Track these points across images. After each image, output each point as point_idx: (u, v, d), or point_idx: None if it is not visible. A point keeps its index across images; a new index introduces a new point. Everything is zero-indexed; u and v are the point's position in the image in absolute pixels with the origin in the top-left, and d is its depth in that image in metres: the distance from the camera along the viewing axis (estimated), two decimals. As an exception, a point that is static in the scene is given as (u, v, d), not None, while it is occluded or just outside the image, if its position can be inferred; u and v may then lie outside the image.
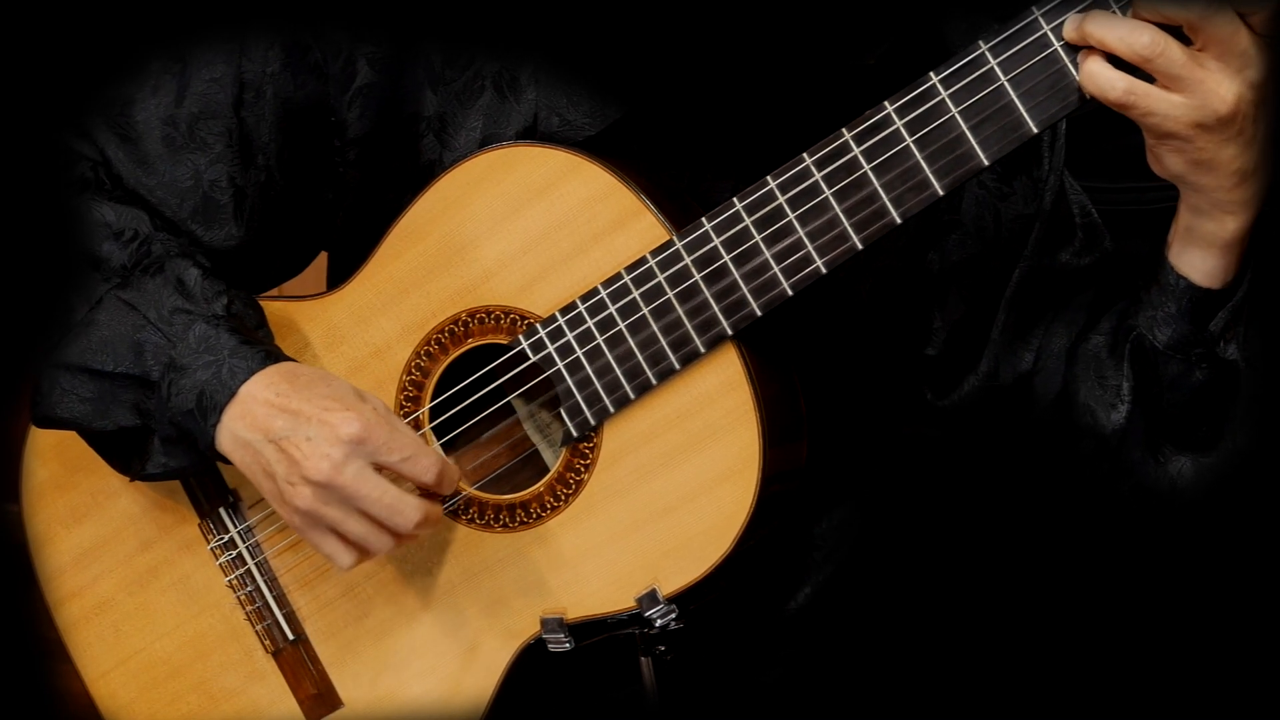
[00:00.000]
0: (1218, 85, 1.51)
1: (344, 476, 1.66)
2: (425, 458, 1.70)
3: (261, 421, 1.69)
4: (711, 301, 1.68)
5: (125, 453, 1.80)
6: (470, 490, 1.78)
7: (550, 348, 1.73)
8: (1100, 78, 1.55)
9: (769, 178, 1.65)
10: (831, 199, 1.64)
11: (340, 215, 1.85)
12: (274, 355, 1.73)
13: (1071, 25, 1.55)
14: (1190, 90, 1.52)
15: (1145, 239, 1.71)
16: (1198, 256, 1.65)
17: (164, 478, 1.79)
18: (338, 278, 1.86)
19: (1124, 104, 1.55)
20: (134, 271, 1.77)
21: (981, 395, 1.81)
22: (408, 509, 1.69)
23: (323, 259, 1.98)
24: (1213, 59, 1.51)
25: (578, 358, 1.72)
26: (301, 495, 1.68)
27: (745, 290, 1.67)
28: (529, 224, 1.73)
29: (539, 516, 1.76)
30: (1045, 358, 1.79)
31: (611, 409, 1.72)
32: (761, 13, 1.67)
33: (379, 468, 1.68)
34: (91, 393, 1.76)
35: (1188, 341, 1.68)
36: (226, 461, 1.73)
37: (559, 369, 1.73)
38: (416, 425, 1.78)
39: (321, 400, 1.68)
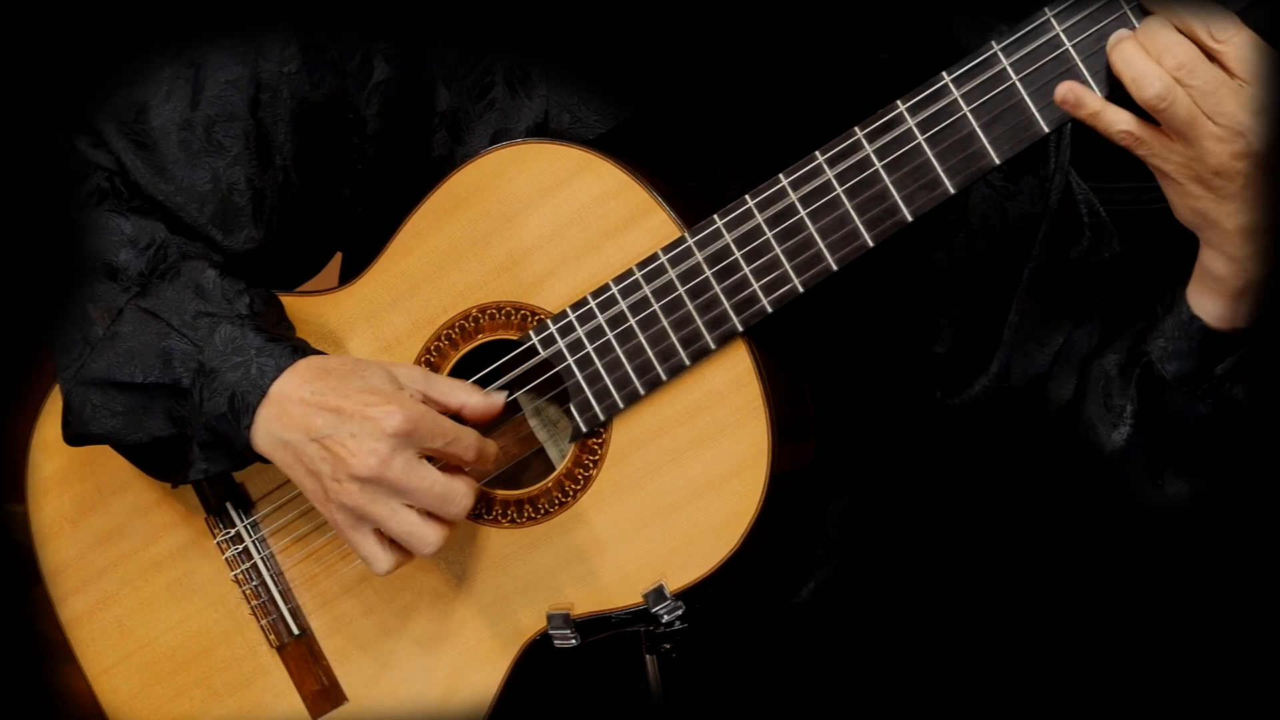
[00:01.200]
0: (1214, 144, 1.53)
1: (393, 470, 1.66)
2: (466, 436, 1.69)
3: (300, 420, 1.68)
4: (722, 298, 1.68)
5: (164, 462, 1.80)
6: (478, 486, 1.78)
7: (561, 343, 1.74)
8: (1104, 116, 1.57)
9: (781, 175, 1.66)
10: (843, 196, 1.65)
11: (359, 211, 1.86)
12: (301, 349, 1.73)
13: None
14: (1188, 143, 1.55)
15: (1147, 239, 1.73)
16: (1209, 301, 1.66)
17: (206, 479, 1.80)
18: (351, 274, 1.86)
19: (1129, 146, 1.58)
20: (151, 278, 1.78)
21: (991, 395, 1.82)
22: (459, 495, 1.68)
23: (335, 256, 1.99)
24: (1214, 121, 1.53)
25: (588, 354, 1.73)
26: (348, 492, 1.67)
27: (756, 287, 1.68)
28: (541, 220, 1.74)
29: (547, 512, 1.76)
30: (1062, 364, 1.81)
31: (621, 405, 1.72)
32: (772, 9, 1.69)
33: (423, 454, 1.68)
34: (123, 406, 1.76)
35: (1195, 377, 1.69)
36: (265, 461, 1.73)
37: (569, 365, 1.73)
38: None
39: (360, 395, 1.67)
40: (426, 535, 1.68)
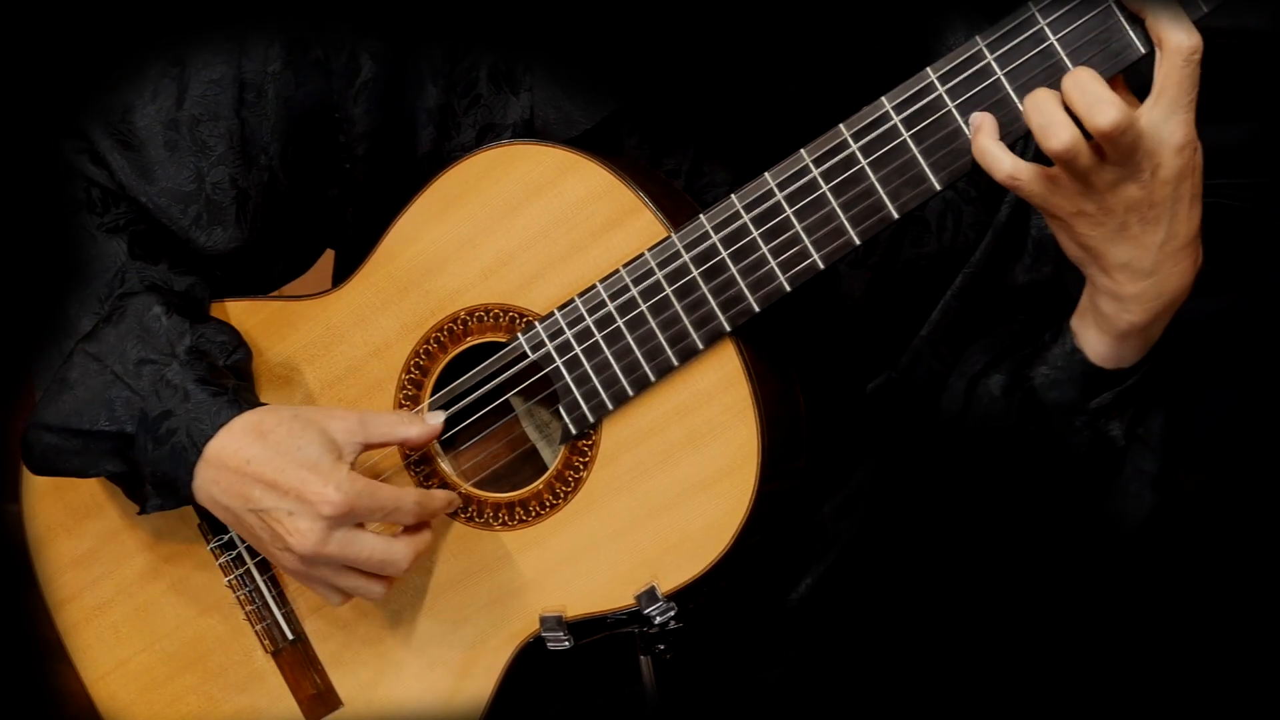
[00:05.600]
0: (1109, 186, 1.52)
1: (330, 547, 1.68)
2: (405, 503, 1.71)
3: (238, 490, 1.70)
4: (709, 298, 1.68)
5: (128, 490, 1.82)
6: (469, 489, 1.78)
7: (549, 345, 1.73)
8: (988, 155, 1.56)
9: (767, 175, 1.65)
10: (829, 195, 1.64)
11: (350, 211, 1.86)
12: (239, 403, 1.73)
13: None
14: (1084, 187, 1.54)
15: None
16: (1093, 337, 1.66)
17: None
18: (343, 274, 1.85)
19: (1012, 189, 1.57)
20: (105, 303, 1.79)
21: (895, 390, 1.83)
22: (398, 557, 1.71)
23: (327, 257, 1.99)
24: (1113, 163, 1.52)
25: (576, 355, 1.72)
26: (289, 560, 1.71)
27: (743, 286, 1.67)
28: (527, 222, 1.73)
29: (538, 514, 1.76)
30: (957, 377, 1.81)
31: (610, 406, 1.72)
32: (757, 3, 1.68)
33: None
34: (77, 447, 1.78)
35: (1073, 408, 1.70)
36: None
37: (557, 366, 1.73)
38: None
39: (297, 471, 1.68)
40: (371, 590, 1.74)
